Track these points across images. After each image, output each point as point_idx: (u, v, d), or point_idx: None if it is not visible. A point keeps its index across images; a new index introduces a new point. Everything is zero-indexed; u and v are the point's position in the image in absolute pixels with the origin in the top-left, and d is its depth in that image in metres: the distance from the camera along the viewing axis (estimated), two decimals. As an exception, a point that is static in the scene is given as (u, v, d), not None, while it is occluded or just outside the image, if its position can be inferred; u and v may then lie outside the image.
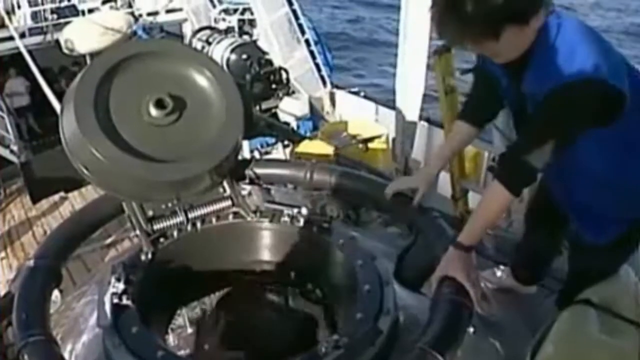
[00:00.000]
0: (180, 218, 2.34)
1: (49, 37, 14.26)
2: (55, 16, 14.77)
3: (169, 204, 2.32)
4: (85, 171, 2.09)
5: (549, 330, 1.54)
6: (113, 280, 2.05)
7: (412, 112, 6.00)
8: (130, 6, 15.65)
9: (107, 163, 1.97)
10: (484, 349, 2.29)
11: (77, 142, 2.03)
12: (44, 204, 10.58)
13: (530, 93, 2.13)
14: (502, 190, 2.10)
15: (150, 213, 2.32)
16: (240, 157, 2.49)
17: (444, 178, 6.58)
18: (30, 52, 11.46)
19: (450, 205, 5.03)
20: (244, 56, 4.33)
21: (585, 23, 2.14)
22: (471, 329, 2.01)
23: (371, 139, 8.98)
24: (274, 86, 4.85)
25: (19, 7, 14.67)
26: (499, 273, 3.14)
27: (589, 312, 1.55)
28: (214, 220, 2.45)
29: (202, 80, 2.22)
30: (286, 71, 5.13)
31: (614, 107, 2.00)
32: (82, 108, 1.99)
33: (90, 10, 14.99)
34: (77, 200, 9.92)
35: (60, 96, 6.43)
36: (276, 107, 9.45)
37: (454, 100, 4.16)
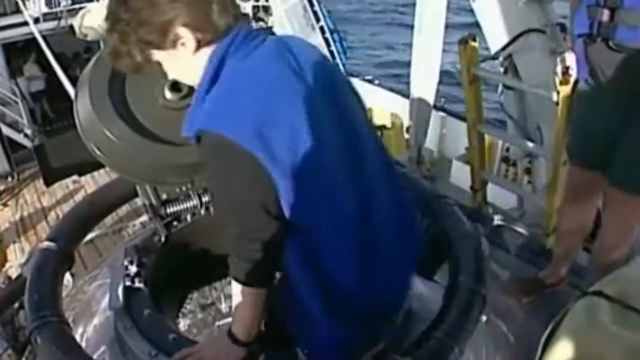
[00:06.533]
0: (194, 202, 2.33)
1: (63, 22, 14.28)
2: (69, 2, 14.80)
3: (183, 188, 2.31)
4: (99, 154, 2.08)
5: (561, 321, 1.52)
6: (126, 262, 2.05)
7: (426, 100, 5.94)
8: (144, -8, 15.61)
9: (121, 145, 1.97)
10: (495, 337, 2.27)
11: (91, 125, 2.02)
12: (57, 189, 10.65)
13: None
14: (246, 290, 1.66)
15: (164, 196, 2.31)
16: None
17: (461, 169, 6.55)
18: (44, 37, 11.54)
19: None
20: (259, 42, 4.29)
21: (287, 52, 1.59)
22: (484, 318, 1.97)
23: (385, 127, 8.96)
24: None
25: (33, -8, 14.70)
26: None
27: (603, 304, 1.52)
28: (227, 204, 2.43)
29: None
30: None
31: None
32: (97, 91, 1.99)
33: (105, -4, 14.99)
34: (90, 185, 9.98)
35: (74, 81, 6.45)
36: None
37: (478, 90, 4.11)
